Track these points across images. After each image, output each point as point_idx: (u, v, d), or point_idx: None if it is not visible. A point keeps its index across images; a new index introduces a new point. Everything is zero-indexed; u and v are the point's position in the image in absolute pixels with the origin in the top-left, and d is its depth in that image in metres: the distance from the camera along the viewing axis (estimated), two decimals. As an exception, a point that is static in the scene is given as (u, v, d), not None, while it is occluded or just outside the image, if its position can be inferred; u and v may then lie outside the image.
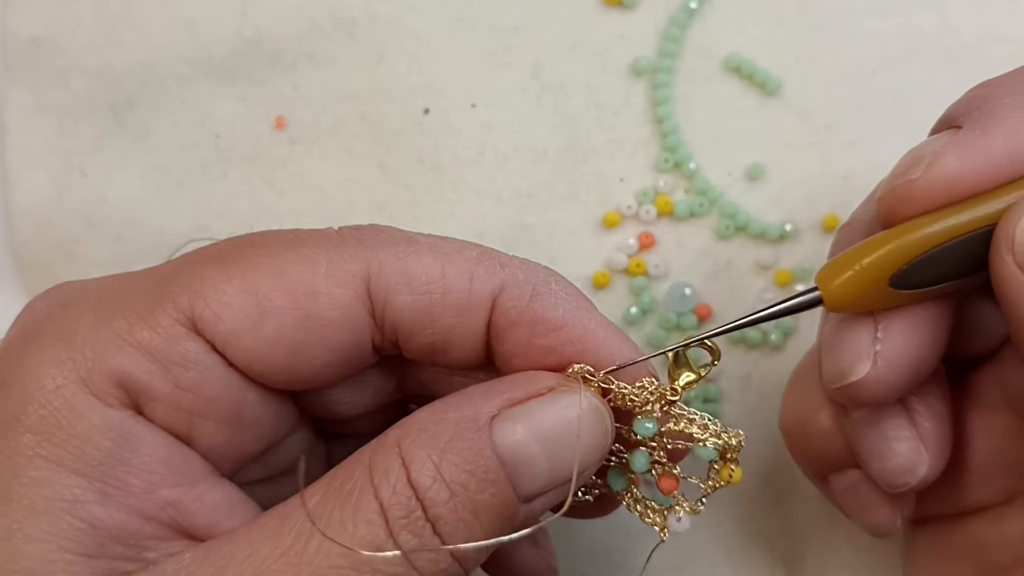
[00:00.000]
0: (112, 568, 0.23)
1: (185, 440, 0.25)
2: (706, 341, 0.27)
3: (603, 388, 0.26)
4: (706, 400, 0.38)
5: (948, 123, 0.27)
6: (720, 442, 0.26)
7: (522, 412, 0.24)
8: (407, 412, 0.30)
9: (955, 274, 0.26)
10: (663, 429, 0.26)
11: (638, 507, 0.28)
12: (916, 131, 0.39)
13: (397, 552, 0.22)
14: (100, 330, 0.24)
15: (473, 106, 0.39)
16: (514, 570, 0.31)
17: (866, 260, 0.25)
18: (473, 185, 0.39)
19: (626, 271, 0.39)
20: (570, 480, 0.25)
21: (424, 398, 0.27)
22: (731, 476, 0.27)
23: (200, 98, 0.40)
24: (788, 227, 0.38)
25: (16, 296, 0.38)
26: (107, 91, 0.40)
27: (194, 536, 0.24)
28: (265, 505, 0.27)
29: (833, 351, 0.27)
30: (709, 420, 0.27)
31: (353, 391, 0.28)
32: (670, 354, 0.27)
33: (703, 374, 0.27)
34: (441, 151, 0.39)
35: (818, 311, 0.28)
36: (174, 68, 0.40)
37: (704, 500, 0.27)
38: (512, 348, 0.26)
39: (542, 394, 0.25)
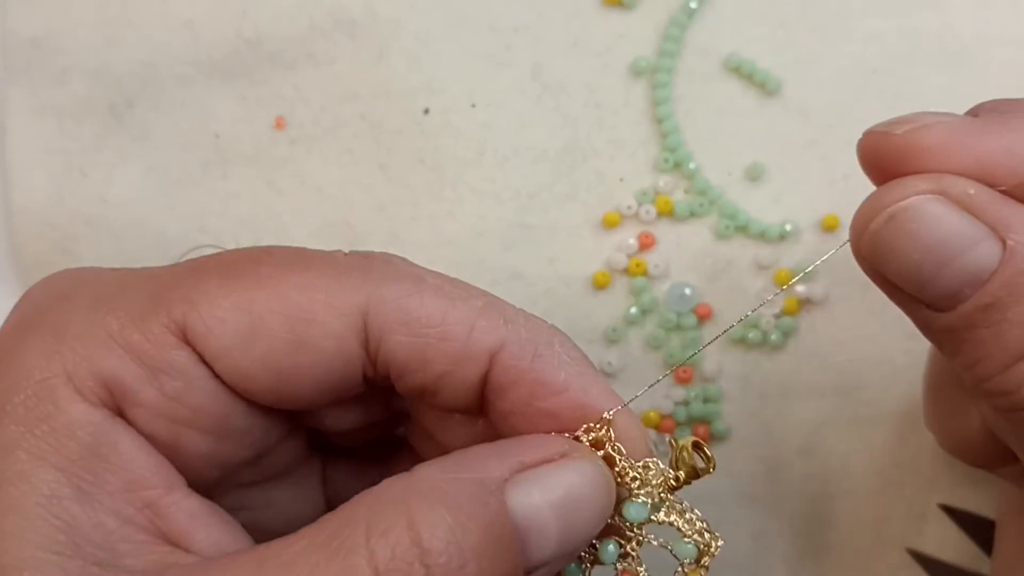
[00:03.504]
0: (86, 573, 0.22)
1: (169, 447, 0.24)
2: (704, 449, 0.25)
3: (607, 457, 0.25)
4: (707, 400, 0.38)
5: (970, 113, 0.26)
6: (702, 541, 0.25)
7: (536, 477, 0.23)
8: (398, 422, 0.29)
9: None
10: (653, 518, 0.25)
11: None
12: (916, 131, 0.39)
13: None
14: (92, 327, 0.24)
15: (473, 106, 0.39)
16: None
17: None
18: (473, 185, 0.39)
19: (626, 271, 0.39)
20: (571, 553, 0.24)
21: (413, 421, 0.27)
22: None
23: (200, 98, 0.40)
24: (788, 227, 0.38)
25: (16, 296, 0.38)
26: (107, 91, 0.40)
27: (172, 542, 0.24)
28: (255, 511, 0.27)
29: None
30: (697, 517, 0.25)
31: (341, 411, 0.27)
32: (678, 448, 0.25)
33: (700, 475, 0.25)
34: (441, 151, 0.39)
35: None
36: (174, 68, 0.40)
37: None
38: (511, 407, 0.25)
39: (554, 460, 0.24)
